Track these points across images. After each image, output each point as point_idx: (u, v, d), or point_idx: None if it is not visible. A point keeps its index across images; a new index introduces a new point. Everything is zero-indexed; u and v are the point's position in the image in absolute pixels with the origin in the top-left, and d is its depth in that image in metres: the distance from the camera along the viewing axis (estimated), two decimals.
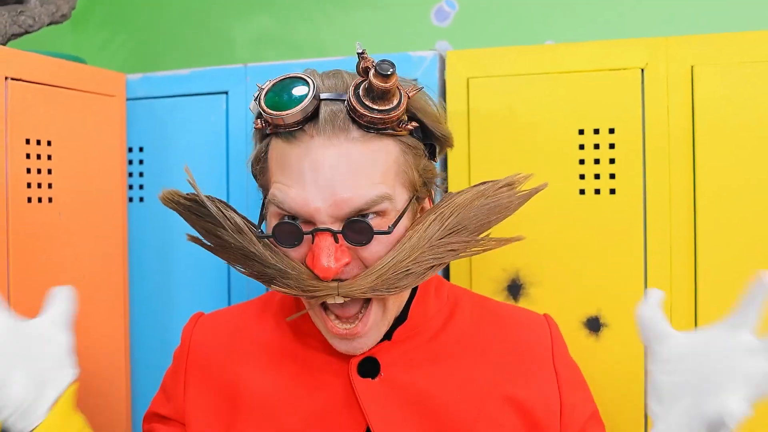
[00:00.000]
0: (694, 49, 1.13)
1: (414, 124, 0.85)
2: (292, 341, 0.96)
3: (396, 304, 0.90)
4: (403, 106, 0.82)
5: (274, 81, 0.86)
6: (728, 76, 1.11)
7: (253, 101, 0.86)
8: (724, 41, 1.12)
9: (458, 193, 0.90)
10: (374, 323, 0.87)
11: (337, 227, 0.81)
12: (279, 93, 0.83)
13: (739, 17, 1.46)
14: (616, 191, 1.15)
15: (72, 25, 1.99)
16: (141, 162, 1.43)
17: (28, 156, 1.16)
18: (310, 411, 0.91)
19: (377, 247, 0.83)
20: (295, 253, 0.84)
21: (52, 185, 1.21)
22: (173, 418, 0.99)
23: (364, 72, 0.81)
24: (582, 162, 1.17)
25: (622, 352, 1.15)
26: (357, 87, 0.81)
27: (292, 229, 0.82)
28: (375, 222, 0.82)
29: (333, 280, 0.82)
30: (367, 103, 0.80)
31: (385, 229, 0.82)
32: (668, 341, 0.80)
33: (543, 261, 1.18)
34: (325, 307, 0.87)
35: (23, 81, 1.15)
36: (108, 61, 1.96)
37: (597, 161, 1.16)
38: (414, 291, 0.95)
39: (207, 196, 0.89)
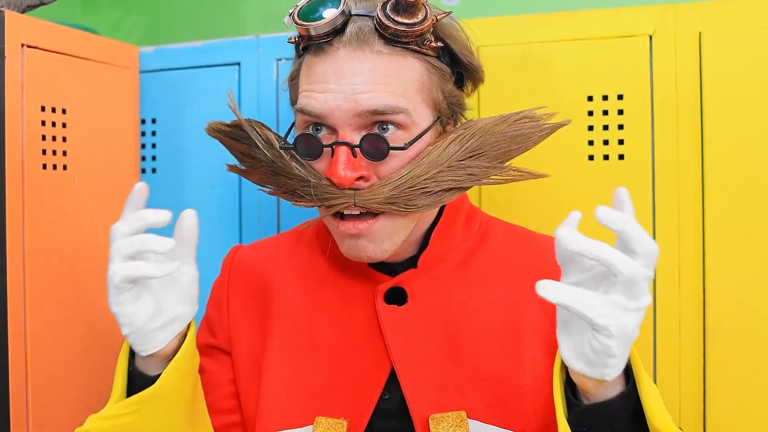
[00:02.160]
0: (701, 16, 1.14)
1: (439, 43, 0.88)
2: (325, 268, 1.01)
3: (414, 224, 0.92)
4: (428, 22, 0.85)
5: (306, 1, 0.89)
6: (735, 42, 1.12)
7: (288, 16, 0.89)
8: (730, 7, 1.13)
9: (479, 119, 0.92)
10: (380, 231, 0.89)
11: (356, 140, 0.85)
12: (312, 7, 0.87)
13: None
14: (625, 157, 1.16)
15: (86, 2, 2.00)
16: (154, 133, 1.44)
17: (43, 123, 1.18)
18: (338, 333, 0.95)
19: (395, 163, 0.86)
20: (318, 165, 0.88)
21: (67, 153, 1.23)
22: (219, 347, 1.02)
23: None
24: (591, 128, 1.18)
25: None
26: (385, 3, 0.85)
27: (313, 140, 0.86)
28: (394, 137, 0.85)
29: (351, 189, 0.86)
30: (392, 16, 0.84)
31: (402, 145, 0.85)
32: (581, 263, 0.78)
33: (553, 226, 1.19)
34: (342, 218, 0.90)
35: (39, 49, 1.17)
36: (122, 37, 1.97)
37: (606, 127, 1.17)
38: (438, 217, 0.97)
39: (246, 120, 0.94)
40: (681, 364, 1.13)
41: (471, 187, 0.91)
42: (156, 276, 0.80)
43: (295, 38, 0.91)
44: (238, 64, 1.39)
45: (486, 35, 1.23)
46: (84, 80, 1.26)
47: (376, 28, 0.85)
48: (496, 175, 0.91)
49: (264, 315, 1.00)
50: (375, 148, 0.84)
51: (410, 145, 0.85)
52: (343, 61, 0.85)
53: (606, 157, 1.17)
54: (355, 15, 0.86)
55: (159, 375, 0.85)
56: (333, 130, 0.87)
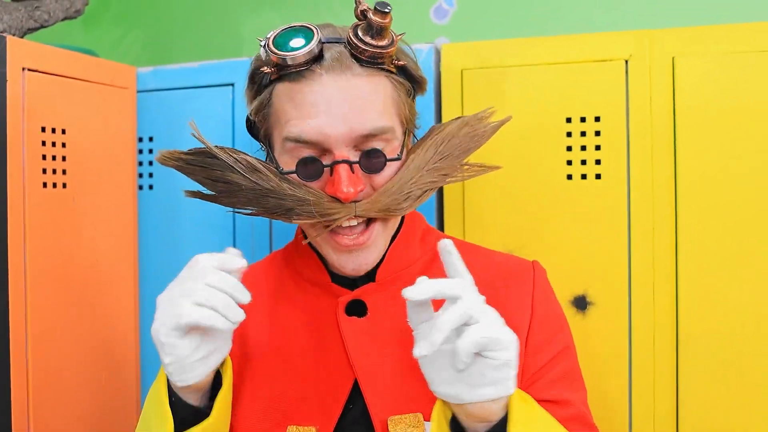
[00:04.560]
0: (675, 41, 1.19)
1: (401, 62, 0.97)
2: (292, 286, 1.06)
3: (390, 230, 1.01)
4: (395, 43, 0.94)
5: (278, 31, 0.94)
6: (707, 67, 1.17)
7: (261, 50, 0.95)
8: (703, 33, 1.18)
9: (445, 123, 1.03)
10: (375, 238, 0.97)
11: (352, 157, 0.93)
12: (285, 38, 0.93)
13: (718, 11, 1.52)
14: (602, 176, 1.21)
15: (85, 22, 2.05)
16: (151, 151, 1.49)
17: (43, 143, 1.23)
18: (306, 347, 1.00)
19: (387, 172, 0.95)
20: (315, 184, 0.94)
21: (66, 171, 1.28)
22: None
23: (362, 15, 0.92)
24: (569, 149, 1.23)
25: (607, 329, 1.21)
26: (355, 28, 0.93)
27: (314, 163, 0.92)
28: (383, 149, 0.94)
29: (351, 202, 0.92)
30: (366, 39, 0.91)
31: (395, 156, 0.95)
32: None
33: (532, 243, 1.24)
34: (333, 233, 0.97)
35: (39, 72, 1.21)
36: (120, 57, 2.03)
37: (584, 148, 1.22)
38: (395, 235, 1.04)
39: (217, 146, 0.97)
40: (655, 379, 1.18)
41: (442, 185, 1.02)
42: (224, 330, 0.82)
43: (269, 68, 0.94)
44: (232, 84, 1.43)
45: (470, 59, 1.27)
46: (83, 101, 1.31)
47: (351, 53, 0.92)
48: (461, 172, 1.03)
49: (241, 333, 1.03)
50: (373, 162, 0.93)
51: (401, 155, 0.96)
52: (329, 87, 0.91)
53: (584, 177, 1.22)
54: (326, 42, 0.93)
55: (205, 405, 0.90)
56: (325, 151, 0.93)
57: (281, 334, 1.02)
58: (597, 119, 1.21)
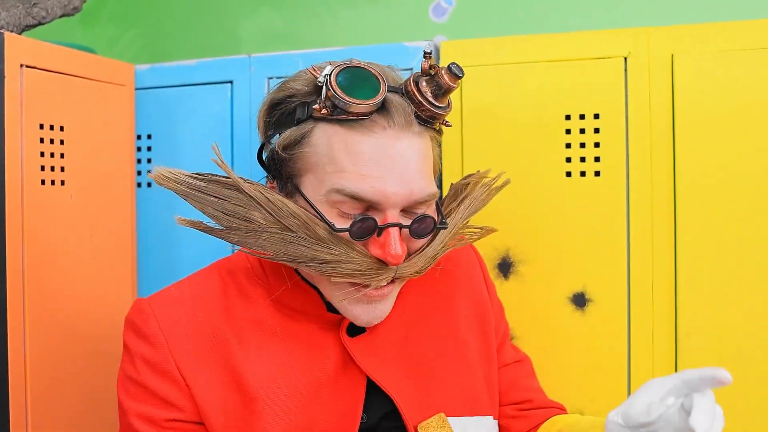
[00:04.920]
0: (673, 39, 1.19)
1: (449, 123, 0.94)
2: (280, 318, 0.97)
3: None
4: (451, 105, 0.91)
5: (341, 66, 0.87)
6: (706, 64, 1.17)
7: (317, 82, 0.86)
8: (702, 31, 1.18)
9: (464, 184, 1.02)
10: (393, 294, 0.93)
11: (402, 220, 0.87)
12: (352, 80, 0.86)
13: (717, 8, 1.52)
14: (601, 174, 1.21)
15: (83, 19, 2.05)
16: (149, 149, 1.49)
17: (41, 140, 1.22)
18: (315, 381, 0.94)
19: (429, 236, 0.90)
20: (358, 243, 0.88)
21: (65, 169, 1.27)
22: (190, 420, 0.92)
23: (429, 69, 0.87)
24: (568, 146, 1.23)
25: (606, 325, 1.21)
26: (419, 83, 0.88)
27: (368, 223, 0.85)
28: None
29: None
30: (430, 99, 0.87)
31: (443, 222, 0.92)
32: None
33: (532, 240, 1.24)
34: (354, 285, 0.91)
35: (37, 69, 1.21)
36: (119, 55, 2.03)
37: (583, 145, 1.22)
38: None
39: (242, 178, 0.88)
40: (654, 373, 1.18)
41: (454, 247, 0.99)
42: None
43: (325, 107, 0.86)
44: (231, 82, 1.43)
45: (469, 56, 1.27)
46: (81, 98, 1.31)
47: (412, 109, 0.88)
48: (470, 236, 1.04)
49: (236, 386, 0.92)
50: (423, 228, 0.88)
51: (446, 222, 0.92)
52: (392, 143, 0.86)
53: (583, 174, 1.22)
54: (389, 91, 0.87)
55: None
56: (374, 210, 0.87)
57: (285, 373, 0.94)
58: (596, 116, 1.21)
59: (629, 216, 1.20)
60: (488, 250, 1.26)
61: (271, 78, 1.40)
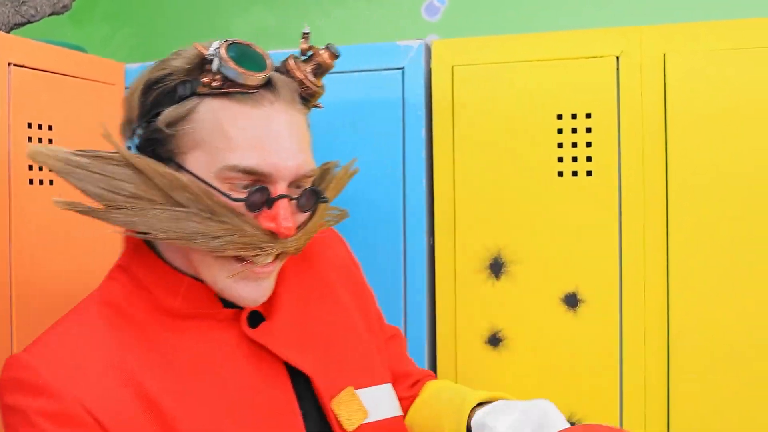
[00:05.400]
0: (665, 38, 1.18)
1: (320, 105, 0.98)
2: (176, 334, 0.90)
3: None
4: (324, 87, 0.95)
5: (228, 41, 0.87)
6: (698, 64, 1.16)
7: (206, 55, 0.86)
8: (694, 30, 1.18)
9: (327, 168, 1.03)
10: (276, 271, 0.93)
11: (290, 192, 0.88)
12: (242, 54, 0.86)
13: (709, 7, 1.52)
14: (593, 173, 1.21)
15: (75, 19, 2.04)
16: None
17: (30, 139, 1.21)
18: (235, 388, 0.90)
19: (310, 211, 0.93)
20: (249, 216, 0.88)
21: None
22: None
23: (308, 49, 0.92)
24: (560, 146, 1.22)
25: (597, 326, 1.20)
26: (296, 62, 0.91)
27: (266, 194, 0.86)
28: None
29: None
30: (310, 77, 0.91)
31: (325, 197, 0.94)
32: None
33: (523, 240, 1.24)
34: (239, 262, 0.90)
35: (26, 67, 1.20)
36: (110, 54, 2.01)
37: (574, 145, 1.21)
38: None
39: (131, 152, 0.85)
40: (646, 377, 1.17)
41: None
42: None
43: (218, 79, 0.86)
44: None
45: (460, 55, 1.27)
46: (70, 97, 1.30)
47: (295, 86, 0.91)
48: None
49: (144, 401, 0.85)
50: (311, 201, 0.91)
51: (326, 197, 0.94)
52: (280, 118, 0.87)
53: (575, 174, 1.21)
54: (275, 70, 0.89)
55: None
56: (264, 183, 0.87)
57: (200, 388, 0.88)
58: (588, 116, 1.21)
59: (621, 216, 1.19)
60: (480, 251, 1.25)
61: None
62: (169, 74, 0.87)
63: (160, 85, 0.88)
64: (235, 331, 0.92)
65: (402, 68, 1.28)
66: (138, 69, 1.45)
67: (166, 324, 0.90)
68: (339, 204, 1.28)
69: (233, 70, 0.84)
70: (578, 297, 1.21)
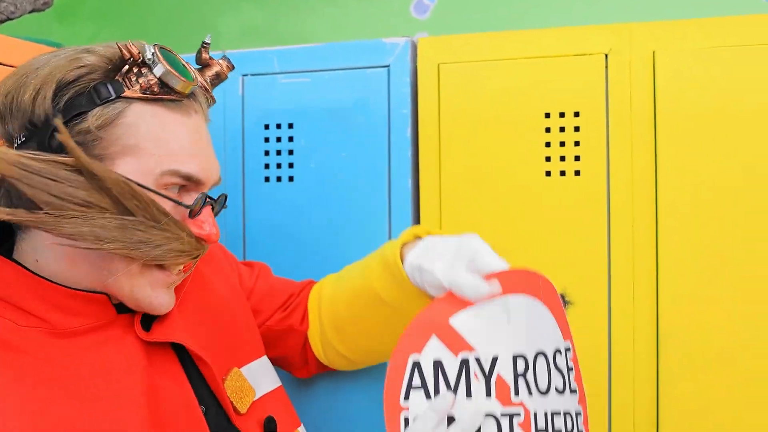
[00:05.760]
0: (655, 35, 1.17)
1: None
2: (68, 356, 0.83)
3: None
4: None
5: (158, 46, 0.87)
6: (688, 61, 1.14)
7: (158, 65, 0.85)
8: (685, 27, 1.16)
9: None
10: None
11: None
12: (172, 62, 0.86)
13: (700, 4, 1.51)
14: (581, 173, 1.19)
15: (62, 17, 2.02)
16: None
17: None
18: (137, 389, 0.86)
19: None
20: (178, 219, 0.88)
21: None
22: None
23: (206, 61, 0.95)
24: (548, 145, 1.20)
25: (587, 328, 1.18)
26: (203, 74, 0.95)
27: (206, 201, 0.91)
28: None
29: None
30: (209, 88, 0.95)
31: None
32: None
33: (511, 241, 1.22)
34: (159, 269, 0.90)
35: (4, 65, 1.18)
36: None
37: (562, 144, 1.19)
38: None
39: (87, 157, 0.81)
40: (635, 380, 1.16)
41: None
42: None
43: (145, 82, 0.85)
44: None
45: (447, 53, 1.25)
46: None
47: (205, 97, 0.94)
48: None
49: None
50: (221, 207, 0.96)
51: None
52: (204, 128, 0.92)
53: (563, 173, 1.19)
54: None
55: None
56: (191, 190, 0.90)
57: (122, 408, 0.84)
58: (576, 114, 1.19)
59: (610, 216, 1.18)
60: None
61: (245, 75, 1.37)
62: (87, 73, 0.83)
63: (76, 85, 0.83)
64: (130, 340, 0.89)
65: (387, 66, 1.26)
66: None
67: (57, 347, 0.83)
68: (326, 202, 1.27)
69: (174, 76, 0.85)
70: (566, 299, 1.19)
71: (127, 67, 0.85)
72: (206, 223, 0.89)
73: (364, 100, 1.26)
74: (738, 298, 1.12)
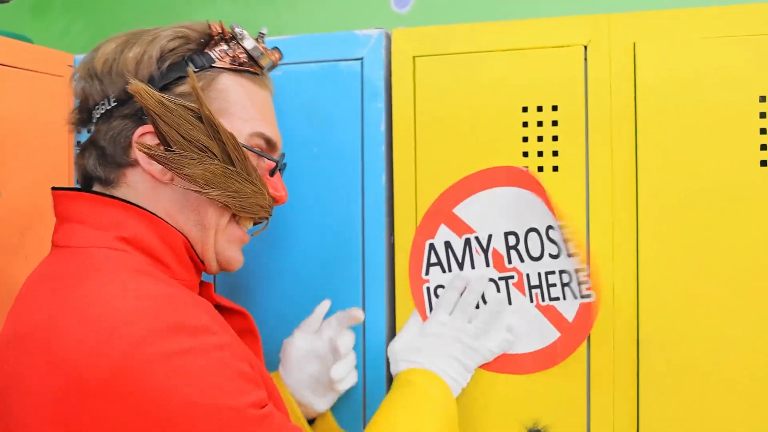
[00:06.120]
0: (635, 26, 1.13)
1: None
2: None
3: None
4: None
5: (241, 27, 0.99)
6: (669, 53, 1.11)
7: (234, 32, 0.99)
8: (666, 18, 1.12)
9: None
10: None
11: None
12: (256, 40, 1.01)
13: None
14: (559, 169, 1.15)
15: (34, 10, 1.97)
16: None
17: None
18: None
19: None
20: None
21: None
22: None
23: (262, 50, 1.02)
24: (525, 140, 1.16)
25: None
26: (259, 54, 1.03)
27: (283, 163, 1.05)
28: None
29: None
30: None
31: None
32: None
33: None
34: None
35: None
36: (69, 47, 1.95)
37: (540, 139, 1.16)
38: None
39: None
40: (615, 378, 1.12)
41: None
42: None
43: (234, 54, 0.98)
44: None
45: (422, 45, 1.21)
46: (14, 89, 1.24)
47: None
48: None
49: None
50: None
51: None
52: (271, 100, 1.05)
53: (540, 169, 1.15)
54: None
55: None
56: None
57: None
58: (554, 108, 1.15)
59: (589, 213, 1.14)
60: None
61: None
62: (185, 44, 0.95)
63: (175, 53, 0.94)
64: None
65: (361, 59, 1.22)
66: None
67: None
68: (297, 199, 1.23)
69: (260, 50, 0.99)
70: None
71: (215, 41, 0.98)
72: (279, 185, 1.02)
73: (336, 93, 1.22)
74: (721, 299, 1.08)
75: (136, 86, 0.87)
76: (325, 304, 1.18)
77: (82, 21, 1.96)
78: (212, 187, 0.91)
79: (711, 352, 1.09)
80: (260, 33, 1.01)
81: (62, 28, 1.97)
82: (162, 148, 0.90)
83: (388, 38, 1.24)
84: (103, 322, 0.76)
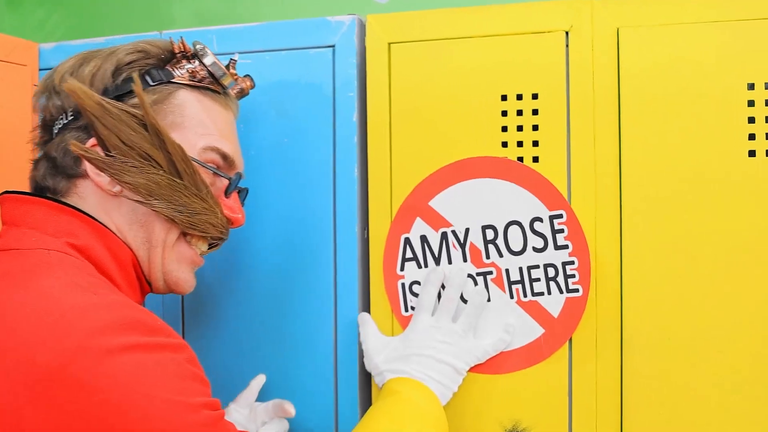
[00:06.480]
0: (619, 11, 1.08)
1: None
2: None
3: None
4: None
5: (202, 45, 0.99)
6: (653, 39, 1.06)
7: (194, 50, 0.98)
8: (650, 3, 1.07)
9: None
10: None
11: None
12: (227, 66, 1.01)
13: None
14: (540, 159, 1.10)
15: (9, 2, 1.93)
16: None
17: None
18: None
19: None
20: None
21: None
22: None
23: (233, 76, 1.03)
24: (505, 129, 1.11)
25: None
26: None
27: (237, 182, 1.01)
28: None
29: None
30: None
31: None
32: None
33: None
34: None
35: None
36: (46, 38, 1.90)
37: (520, 128, 1.11)
38: None
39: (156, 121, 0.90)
40: (597, 375, 1.07)
41: None
42: None
43: (192, 71, 0.97)
44: None
45: (397, 32, 1.16)
46: None
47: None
48: None
49: None
50: (244, 200, 1.06)
51: None
52: (234, 122, 1.04)
53: (520, 160, 1.11)
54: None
55: None
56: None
57: None
58: (534, 97, 1.10)
59: (571, 204, 1.09)
60: None
61: None
62: (143, 58, 0.95)
63: (131, 66, 0.94)
64: None
65: (333, 46, 1.17)
66: (54, 49, 1.35)
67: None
68: (265, 192, 1.18)
69: (219, 67, 0.97)
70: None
71: (177, 58, 0.97)
72: (236, 206, 1.00)
73: (307, 82, 1.17)
74: (707, 297, 1.04)
75: (72, 85, 0.86)
76: (260, 378, 1.14)
77: (58, 13, 1.91)
78: (156, 199, 0.89)
79: (696, 350, 1.04)
80: (231, 59, 1.02)
81: (39, 21, 1.92)
82: (102, 152, 0.88)
83: (362, 25, 1.19)
84: (56, 313, 0.74)
